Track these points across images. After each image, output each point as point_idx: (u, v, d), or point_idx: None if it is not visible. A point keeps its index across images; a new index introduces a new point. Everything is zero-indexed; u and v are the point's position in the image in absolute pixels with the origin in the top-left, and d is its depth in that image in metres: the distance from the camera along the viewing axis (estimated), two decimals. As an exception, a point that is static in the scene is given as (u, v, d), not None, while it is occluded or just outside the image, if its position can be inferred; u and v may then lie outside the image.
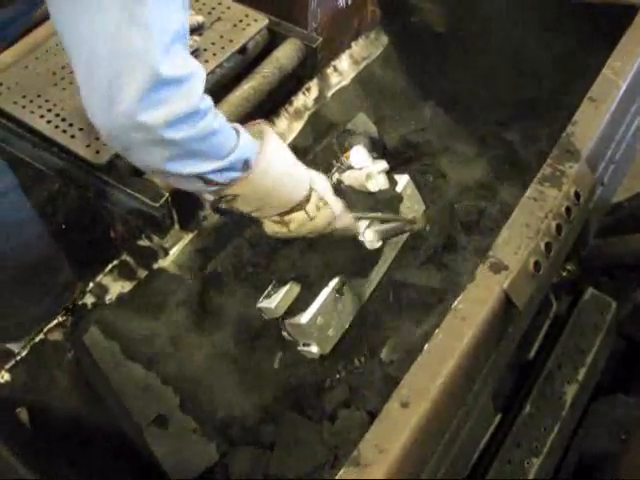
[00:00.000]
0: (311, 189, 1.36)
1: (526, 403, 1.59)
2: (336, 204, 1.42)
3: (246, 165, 1.23)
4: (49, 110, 1.55)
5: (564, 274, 1.72)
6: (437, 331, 1.14)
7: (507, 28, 1.91)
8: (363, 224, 1.50)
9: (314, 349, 1.54)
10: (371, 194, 1.55)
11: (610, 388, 1.70)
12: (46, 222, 1.88)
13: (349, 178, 1.58)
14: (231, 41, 1.71)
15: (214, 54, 1.68)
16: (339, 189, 1.54)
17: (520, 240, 1.22)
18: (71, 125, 1.53)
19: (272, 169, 1.26)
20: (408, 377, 1.10)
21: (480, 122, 1.98)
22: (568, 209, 1.29)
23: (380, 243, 1.54)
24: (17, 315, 1.70)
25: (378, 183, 1.56)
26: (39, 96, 1.58)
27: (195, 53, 1.67)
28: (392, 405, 1.07)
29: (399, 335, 1.60)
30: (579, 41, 1.78)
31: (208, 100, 1.12)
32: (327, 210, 1.39)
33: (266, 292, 1.54)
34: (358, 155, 1.60)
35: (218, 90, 1.71)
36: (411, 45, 2.07)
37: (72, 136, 1.51)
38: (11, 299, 1.70)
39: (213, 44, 1.70)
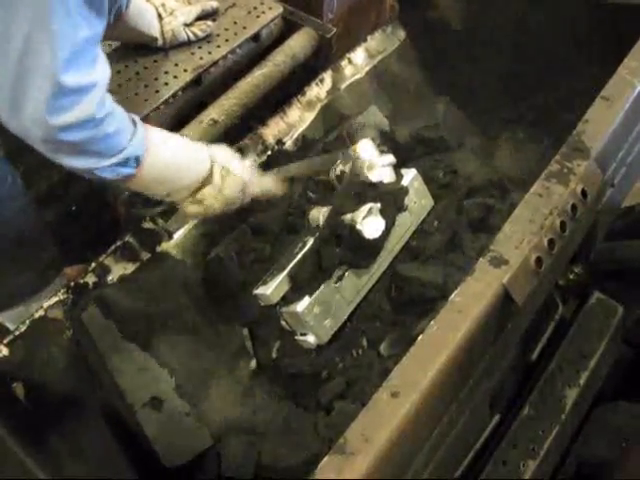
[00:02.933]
0: (212, 162, 1.41)
1: (525, 404, 1.57)
2: (243, 170, 1.47)
3: (137, 162, 1.29)
4: None
5: (571, 277, 1.69)
6: (432, 323, 1.13)
7: (524, 28, 1.89)
8: (361, 213, 1.49)
9: (311, 339, 1.52)
10: (372, 185, 1.53)
11: (612, 395, 1.67)
12: (56, 204, 1.89)
13: (351, 168, 1.56)
14: (244, 28, 1.71)
15: (227, 40, 1.68)
16: (342, 180, 1.53)
17: (522, 235, 1.20)
18: None
19: (160, 158, 1.33)
20: (399, 367, 1.08)
21: (493, 120, 1.95)
22: (574, 207, 1.26)
23: (379, 233, 1.52)
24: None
25: (381, 174, 1.55)
26: None
27: (207, 38, 1.67)
28: (381, 395, 1.06)
29: (399, 330, 1.59)
30: (596, 43, 1.76)
31: (107, 106, 1.20)
32: (233, 177, 1.44)
33: (263, 279, 1.54)
34: (365, 148, 1.58)
35: (230, 76, 1.71)
36: (427, 41, 2.06)
37: None
38: None
39: (226, 30, 1.70)
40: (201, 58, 1.68)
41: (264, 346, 1.62)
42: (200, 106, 1.67)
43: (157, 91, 1.63)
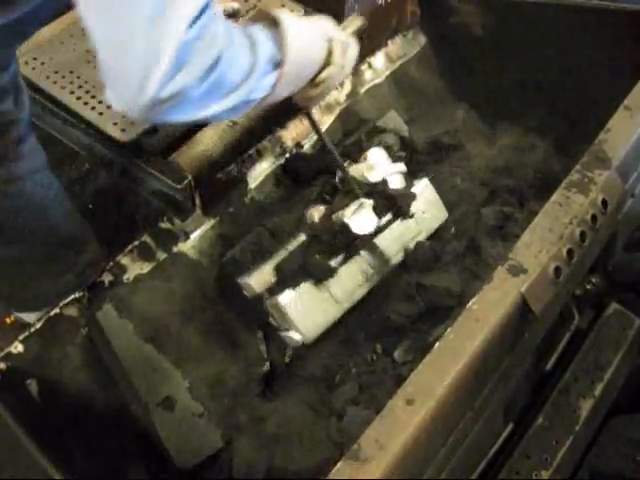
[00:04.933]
0: (330, 40, 1.32)
1: (539, 414, 1.55)
2: (351, 39, 1.41)
3: (275, 63, 1.20)
4: (80, 87, 1.57)
5: (588, 287, 1.67)
6: (449, 330, 1.12)
7: (545, 36, 1.88)
8: (351, 208, 1.50)
9: (296, 336, 1.51)
10: (373, 185, 1.55)
11: (627, 407, 1.65)
12: (74, 201, 1.90)
13: (353, 170, 1.56)
14: None
15: None
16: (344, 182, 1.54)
17: (542, 244, 1.20)
18: (100, 102, 1.54)
19: (298, 52, 1.23)
20: (415, 374, 1.08)
21: (512, 128, 1.95)
22: (594, 217, 1.25)
23: (371, 229, 1.52)
24: (37, 288, 1.72)
25: (384, 177, 1.54)
26: (71, 72, 1.60)
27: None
28: (396, 402, 1.05)
29: (414, 336, 1.58)
30: (619, 51, 1.74)
31: (220, 32, 1.07)
32: (352, 50, 1.39)
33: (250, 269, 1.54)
34: (376, 155, 1.58)
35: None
36: (448, 47, 2.05)
37: (100, 113, 1.52)
38: (34, 273, 1.71)
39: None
40: None
41: (278, 349, 1.62)
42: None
43: None
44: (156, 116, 1.07)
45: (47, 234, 1.66)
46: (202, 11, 1.01)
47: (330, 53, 1.32)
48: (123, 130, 1.50)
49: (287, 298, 1.49)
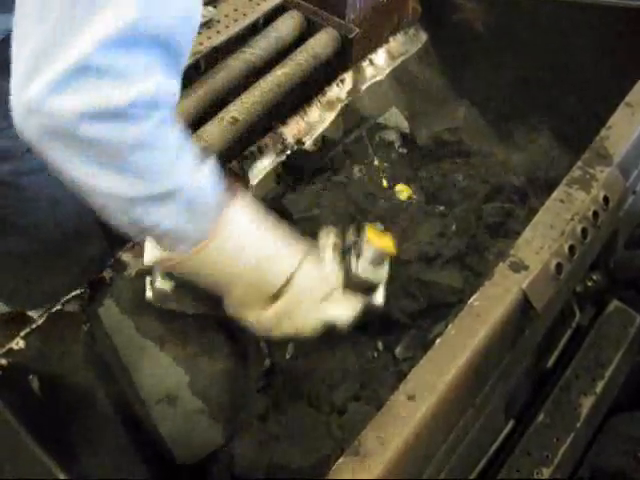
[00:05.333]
0: (292, 272, 1.14)
1: (540, 412, 1.56)
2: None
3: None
4: None
5: (589, 284, 1.67)
6: (450, 326, 1.13)
7: (547, 33, 1.88)
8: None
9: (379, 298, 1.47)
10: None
11: (628, 405, 1.65)
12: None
13: None
14: (244, 15, 1.74)
15: (227, 26, 1.73)
16: None
17: (543, 241, 1.20)
18: None
19: (239, 232, 1.07)
20: (416, 370, 1.08)
21: (514, 126, 1.95)
22: (595, 213, 1.26)
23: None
24: (42, 283, 1.71)
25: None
26: None
27: (208, 24, 1.69)
28: (398, 397, 1.05)
29: (415, 333, 1.58)
30: (621, 49, 1.74)
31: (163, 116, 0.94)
32: (312, 304, 1.19)
33: None
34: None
35: (251, 75, 1.72)
36: (450, 44, 2.05)
37: None
38: (40, 268, 1.70)
39: (226, 16, 1.76)
40: (200, 43, 1.68)
41: (279, 346, 1.61)
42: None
43: None
44: (32, 139, 0.91)
45: (55, 228, 1.64)
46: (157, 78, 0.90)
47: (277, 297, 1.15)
48: None
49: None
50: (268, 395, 1.60)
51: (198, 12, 0.97)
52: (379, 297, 1.46)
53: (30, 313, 1.78)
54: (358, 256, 1.35)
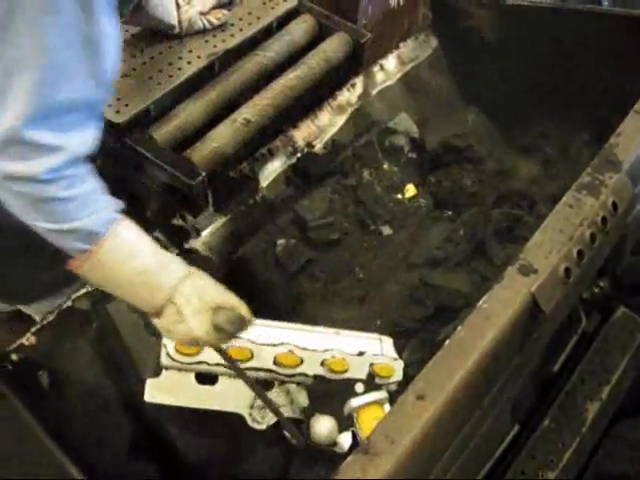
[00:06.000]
0: (172, 294, 1.19)
1: (546, 416, 1.56)
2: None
3: (92, 239, 1.14)
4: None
5: (596, 290, 1.68)
6: (459, 328, 1.13)
7: (556, 41, 1.90)
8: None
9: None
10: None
11: (633, 410, 1.66)
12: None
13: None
14: (258, 18, 1.76)
15: (241, 29, 1.74)
16: None
17: (552, 245, 1.21)
18: None
19: (123, 249, 1.15)
20: (426, 370, 1.09)
21: (522, 132, 1.96)
22: (604, 219, 1.27)
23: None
24: (27, 280, 1.69)
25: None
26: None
27: (222, 27, 1.72)
28: (407, 397, 1.06)
29: (423, 336, 1.59)
30: (631, 57, 1.76)
31: (67, 172, 1.07)
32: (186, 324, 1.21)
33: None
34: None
35: (263, 78, 1.73)
36: (459, 50, 2.07)
37: None
38: (22, 264, 1.69)
39: (241, 19, 1.76)
40: (215, 46, 1.71)
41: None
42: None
43: (170, 76, 1.65)
44: None
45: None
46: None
47: (163, 309, 1.20)
48: (117, 112, 1.55)
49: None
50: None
51: (107, 70, 1.07)
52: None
53: (30, 309, 1.76)
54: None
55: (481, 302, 1.16)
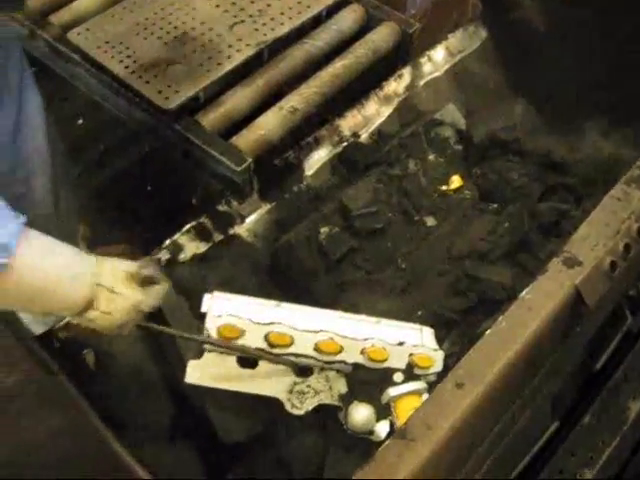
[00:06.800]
0: (97, 284, 1.22)
1: (586, 413, 1.54)
2: (126, 290, 1.27)
3: (6, 250, 1.09)
4: (128, 56, 1.67)
5: (642, 288, 1.66)
6: (501, 318, 1.13)
7: (611, 33, 1.87)
8: None
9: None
10: None
11: (678, 411, 1.63)
12: (134, 182, 1.95)
13: None
14: (308, 7, 1.78)
15: (290, 18, 1.76)
16: None
17: (598, 238, 1.20)
18: (146, 71, 1.64)
19: (38, 257, 1.14)
20: (466, 359, 1.09)
21: (572, 126, 1.93)
22: (653, 213, 1.25)
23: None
24: None
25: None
26: (121, 43, 1.69)
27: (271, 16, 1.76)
28: (446, 385, 1.06)
29: (463, 328, 1.59)
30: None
31: None
32: (122, 301, 1.26)
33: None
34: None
35: (311, 67, 1.74)
36: (509, 41, 2.05)
37: (147, 82, 1.62)
38: None
39: (290, 8, 1.78)
40: (264, 34, 1.73)
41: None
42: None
43: (219, 63, 1.67)
44: None
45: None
46: None
47: (94, 298, 1.22)
48: (167, 98, 1.59)
49: None
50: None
51: None
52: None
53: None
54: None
55: (524, 293, 1.16)
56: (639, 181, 1.27)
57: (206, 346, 1.39)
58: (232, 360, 1.42)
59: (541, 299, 1.14)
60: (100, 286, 1.23)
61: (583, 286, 1.15)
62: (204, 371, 1.41)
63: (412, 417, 1.04)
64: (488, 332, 1.11)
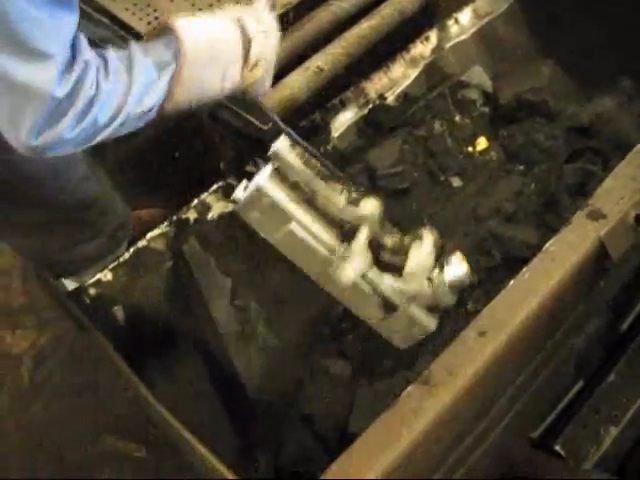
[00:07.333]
0: (239, 19, 1.29)
1: (611, 371, 1.55)
2: (264, 12, 1.34)
3: (165, 68, 1.19)
4: (156, 18, 1.68)
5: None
6: (524, 269, 1.14)
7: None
8: None
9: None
10: None
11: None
12: (162, 149, 1.97)
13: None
14: None
15: None
16: None
17: (623, 191, 1.20)
18: None
19: (197, 46, 1.22)
20: (489, 308, 1.10)
21: (600, 88, 1.91)
22: (679, 168, 1.24)
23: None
24: (69, 253, 1.70)
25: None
26: (148, 5, 1.70)
27: None
28: (468, 333, 1.08)
29: (487, 286, 1.59)
30: None
31: (90, 79, 1.08)
32: (266, 22, 1.33)
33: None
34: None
35: (337, 28, 1.74)
36: (537, 4, 2.02)
37: None
38: (63, 237, 1.70)
39: None
40: None
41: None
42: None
43: None
44: (43, 154, 1.11)
45: (63, 198, 1.61)
46: (69, 64, 1.04)
47: (243, 28, 1.28)
48: None
49: None
50: (340, 342, 1.65)
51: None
52: (432, 323, 1.43)
53: (66, 282, 1.82)
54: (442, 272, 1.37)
55: (547, 245, 1.16)
56: (666, 136, 1.26)
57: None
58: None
59: (565, 251, 1.14)
60: (244, 20, 1.29)
61: (607, 239, 1.15)
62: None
63: (435, 364, 1.05)
64: (511, 283, 1.12)
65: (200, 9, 1.73)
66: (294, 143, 1.44)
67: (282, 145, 1.42)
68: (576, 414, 1.50)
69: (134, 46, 1.18)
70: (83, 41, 1.09)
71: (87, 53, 1.09)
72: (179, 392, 1.56)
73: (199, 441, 1.24)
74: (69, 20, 1.04)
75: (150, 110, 1.20)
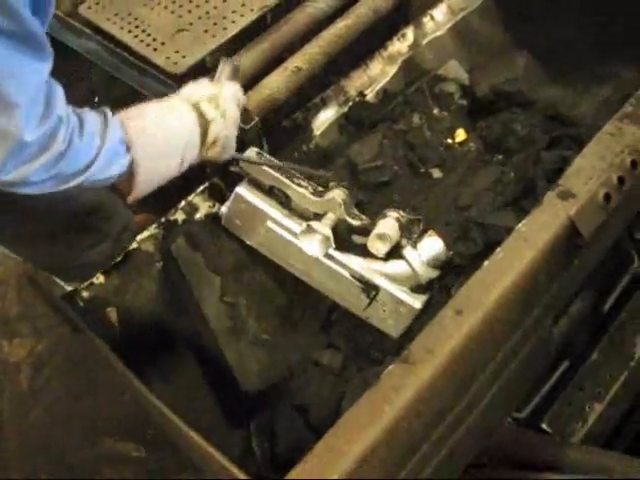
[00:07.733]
0: (195, 103, 1.36)
1: (594, 350, 1.59)
2: (221, 85, 1.43)
3: (124, 145, 1.25)
4: (137, 27, 1.76)
5: (648, 230, 1.69)
6: (498, 250, 1.18)
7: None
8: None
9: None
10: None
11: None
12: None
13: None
14: None
15: None
16: None
17: (592, 171, 1.23)
18: (154, 40, 1.72)
19: (148, 129, 1.28)
20: (465, 288, 1.14)
21: (575, 77, 1.95)
22: (646, 147, 1.28)
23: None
24: (76, 259, 1.73)
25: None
26: (129, 14, 1.77)
27: None
28: (446, 312, 1.12)
29: (470, 272, 1.62)
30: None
31: (62, 133, 1.13)
32: (226, 93, 1.41)
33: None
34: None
35: (314, 29, 1.79)
36: (511, -2, 2.06)
37: (155, 49, 1.71)
38: (68, 244, 1.73)
39: None
40: None
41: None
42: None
43: (225, 28, 1.75)
44: (12, 189, 1.18)
45: (68, 206, 1.64)
46: (39, 114, 1.09)
47: (201, 113, 1.35)
48: (175, 63, 1.68)
49: None
50: (329, 333, 1.69)
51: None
52: (417, 302, 1.51)
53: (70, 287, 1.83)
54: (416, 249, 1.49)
55: (520, 225, 1.20)
56: (632, 117, 1.30)
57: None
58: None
59: (536, 231, 1.18)
60: (201, 101, 1.37)
61: (577, 217, 1.19)
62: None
63: (414, 343, 1.09)
64: (486, 263, 1.16)
65: (180, 16, 1.78)
66: (260, 152, 1.58)
67: (251, 154, 1.57)
68: (561, 393, 1.55)
69: (110, 115, 1.24)
70: (59, 97, 1.15)
71: (61, 109, 1.14)
72: (174, 390, 1.60)
73: (204, 440, 1.27)
74: (37, 68, 1.08)
75: (112, 178, 1.27)
